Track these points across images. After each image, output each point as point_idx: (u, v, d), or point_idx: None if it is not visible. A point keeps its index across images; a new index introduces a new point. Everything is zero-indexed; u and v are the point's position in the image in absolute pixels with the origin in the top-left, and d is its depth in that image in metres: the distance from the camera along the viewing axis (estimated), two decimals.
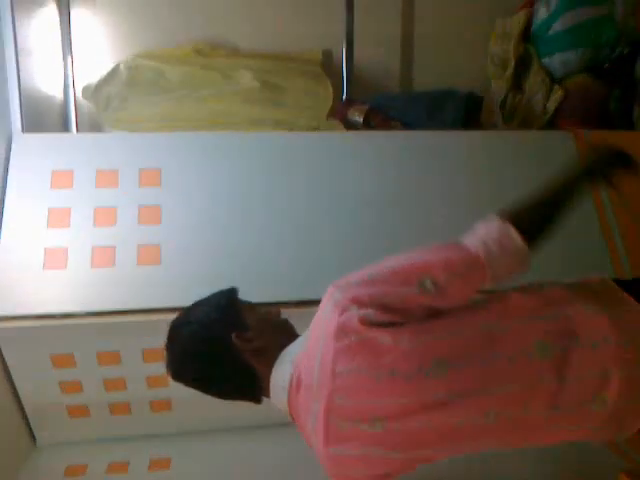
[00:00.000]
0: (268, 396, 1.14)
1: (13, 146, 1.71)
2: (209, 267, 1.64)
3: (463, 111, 2.33)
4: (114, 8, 2.31)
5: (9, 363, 1.60)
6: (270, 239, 1.71)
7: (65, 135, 2.03)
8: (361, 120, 2.29)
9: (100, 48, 2.31)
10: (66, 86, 2.21)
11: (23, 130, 1.77)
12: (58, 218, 1.65)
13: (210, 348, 1.13)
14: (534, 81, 2.43)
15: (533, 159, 1.94)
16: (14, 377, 1.63)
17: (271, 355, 1.13)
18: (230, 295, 1.20)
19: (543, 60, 2.44)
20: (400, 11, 2.55)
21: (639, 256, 1.89)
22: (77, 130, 2.20)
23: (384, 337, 0.99)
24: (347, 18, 2.39)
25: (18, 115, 1.74)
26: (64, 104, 2.21)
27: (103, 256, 1.61)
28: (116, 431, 1.78)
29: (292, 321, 1.22)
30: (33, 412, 1.71)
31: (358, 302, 1.01)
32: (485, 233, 1.05)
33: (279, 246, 1.70)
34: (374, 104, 2.35)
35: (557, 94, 2.40)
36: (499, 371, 1.02)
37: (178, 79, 2.35)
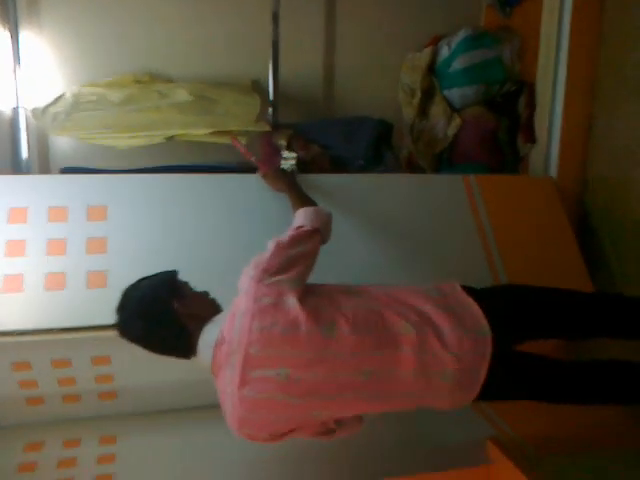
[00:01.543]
0: (195, 354, 1.48)
1: None
2: None
3: (375, 136, 2.66)
4: (60, 36, 2.51)
5: None
6: (204, 262, 1.98)
7: (20, 177, 2.22)
8: (285, 143, 2.60)
9: (45, 75, 2.51)
10: (16, 108, 2.41)
11: None
12: (15, 249, 1.88)
13: (154, 310, 1.47)
14: (437, 110, 2.79)
15: (428, 199, 2.28)
16: None
17: (202, 320, 1.49)
18: (172, 273, 1.57)
19: (444, 92, 2.78)
20: (323, 44, 2.84)
21: (513, 268, 2.27)
22: (28, 148, 2.42)
23: (291, 301, 1.41)
24: (273, 50, 2.65)
25: None
26: (13, 126, 2.41)
27: (55, 281, 1.87)
28: (68, 415, 2.05)
29: None
30: None
31: (268, 271, 1.45)
32: (304, 217, 1.64)
33: (214, 272, 1.93)
34: (297, 129, 2.65)
35: (455, 122, 2.76)
36: (376, 339, 1.43)
37: (119, 99, 2.56)
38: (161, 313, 1.47)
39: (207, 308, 1.55)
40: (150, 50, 2.63)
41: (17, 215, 1.93)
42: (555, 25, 2.48)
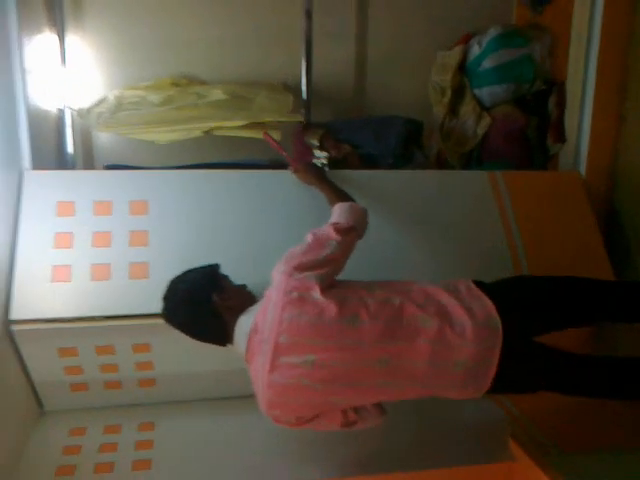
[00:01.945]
0: (232, 342, 1.63)
1: (24, 182, 2.02)
2: None
3: (404, 134, 2.71)
4: (102, 40, 2.64)
5: (24, 354, 1.95)
6: (239, 255, 2.07)
7: (67, 172, 2.35)
8: (317, 143, 2.67)
9: (88, 77, 2.64)
10: (62, 108, 2.53)
11: (32, 167, 2.10)
12: (63, 241, 1.99)
13: (196, 301, 1.64)
14: (467, 109, 2.82)
15: (455, 195, 2.33)
16: (28, 365, 1.98)
17: (238, 311, 1.64)
18: (214, 267, 1.73)
19: (474, 91, 2.81)
20: (354, 43, 2.89)
21: (536, 263, 2.29)
22: (73, 145, 2.55)
23: (317, 295, 1.53)
24: (306, 48, 2.70)
25: (28, 153, 2.06)
26: (59, 124, 2.53)
27: (101, 272, 1.97)
28: (109, 402, 2.16)
29: None
30: (41, 389, 2.07)
31: (299, 268, 1.57)
32: (339, 213, 1.72)
33: (249, 265, 2.02)
34: (328, 128, 2.72)
35: (485, 121, 2.79)
36: (394, 330, 1.53)
37: (159, 100, 2.66)
38: (202, 304, 1.62)
39: (244, 300, 1.68)
40: (186, 54, 2.72)
41: (65, 208, 2.03)
42: (586, 24, 2.49)
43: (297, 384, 1.52)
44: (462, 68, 2.84)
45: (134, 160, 2.57)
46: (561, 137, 2.66)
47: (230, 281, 1.74)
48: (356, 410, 1.66)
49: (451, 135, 2.88)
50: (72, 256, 1.99)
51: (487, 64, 2.72)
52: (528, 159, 2.77)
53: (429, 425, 2.06)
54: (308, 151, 2.65)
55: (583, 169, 2.52)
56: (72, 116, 2.56)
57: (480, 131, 2.79)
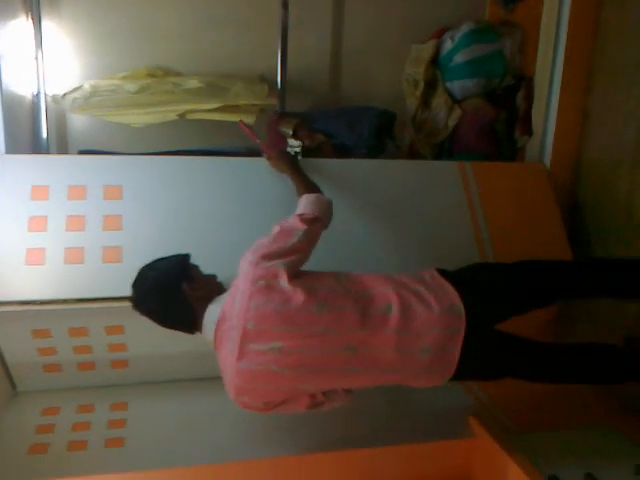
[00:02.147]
0: (200, 331, 1.66)
1: None
2: None
3: (377, 125, 2.76)
4: (78, 28, 2.65)
5: None
6: (212, 241, 2.12)
7: (42, 157, 2.35)
8: (290, 132, 2.71)
9: (64, 63, 2.66)
10: (37, 93, 2.55)
11: (6, 151, 2.13)
12: (37, 224, 2.02)
13: (166, 290, 1.66)
14: (438, 101, 2.89)
15: (425, 185, 2.41)
16: (1, 346, 2.02)
17: (207, 301, 1.67)
18: (185, 257, 1.75)
19: (446, 84, 2.88)
20: (330, 35, 2.94)
21: (501, 249, 2.38)
22: (48, 130, 2.56)
23: (284, 283, 1.58)
24: (281, 39, 2.75)
25: (2, 138, 2.08)
26: (34, 110, 2.55)
27: (74, 255, 2.01)
28: (83, 382, 2.20)
29: None
30: (15, 370, 2.11)
31: (266, 257, 1.62)
32: (305, 204, 1.76)
33: (223, 250, 2.07)
34: (303, 118, 2.77)
35: (456, 113, 2.86)
36: (361, 318, 1.58)
37: (135, 89, 2.67)
38: (171, 293, 1.65)
39: (213, 290, 1.72)
40: (162, 44, 2.74)
41: (39, 193, 2.06)
42: (554, 22, 2.57)
43: (265, 371, 1.57)
44: (435, 62, 2.90)
45: (109, 145, 2.60)
46: (528, 130, 2.74)
47: (200, 271, 1.77)
48: (324, 392, 1.71)
49: (423, 126, 2.94)
50: (46, 239, 2.02)
51: (459, 59, 2.79)
52: (497, 151, 2.85)
53: (394, 406, 2.14)
54: (282, 140, 2.70)
55: (548, 162, 2.61)
56: (46, 101, 2.56)
57: (451, 123, 2.86)
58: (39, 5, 2.49)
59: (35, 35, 2.50)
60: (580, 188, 2.57)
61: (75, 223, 2.05)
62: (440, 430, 2.00)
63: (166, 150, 2.54)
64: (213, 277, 1.78)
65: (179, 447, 1.89)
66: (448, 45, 2.83)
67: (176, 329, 1.72)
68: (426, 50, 2.89)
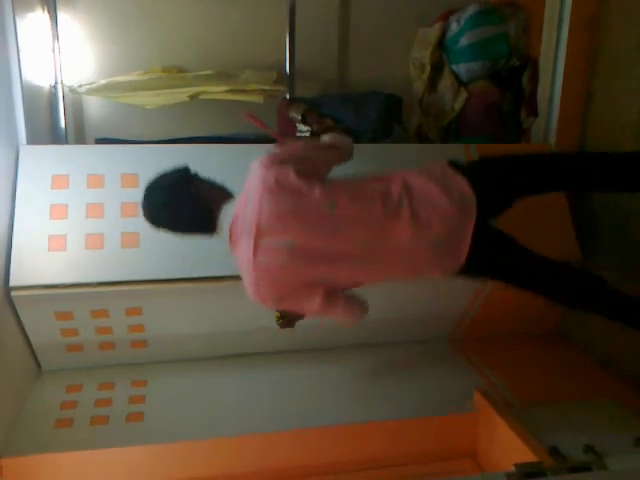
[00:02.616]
0: (218, 232, 1.74)
1: (20, 156, 2.13)
2: (178, 249, 2.11)
3: (383, 109, 2.81)
4: (93, 21, 2.73)
5: (23, 319, 2.09)
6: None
7: (62, 147, 2.46)
8: (299, 117, 2.77)
9: (80, 55, 2.74)
10: (54, 84, 2.63)
11: (27, 142, 2.20)
12: (58, 212, 2.11)
13: (178, 199, 1.72)
14: (445, 84, 2.92)
15: None
16: (26, 328, 2.12)
17: (219, 201, 1.74)
18: (185, 167, 1.80)
19: (452, 67, 2.90)
20: (337, 20, 2.98)
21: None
22: (65, 120, 2.66)
23: (295, 181, 1.66)
24: (289, 26, 2.78)
25: (23, 128, 2.16)
26: (52, 100, 2.63)
27: (94, 241, 2.10)
28: (104, 361, 2.32)
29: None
30: (39, 351, 2.23)
31: (279, 160, 1.70)
32: (330, 139, 1.88)
33: None
34: (311, 103, 2.82)
35: (462, 96, 2.90)
36: (373, 213, 1.65)
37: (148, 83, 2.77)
38: (185, 199, 1.73)
39: (219, 192, 1.81)
40: (173, 35, 2.81)
41: (59, 181, 2.15)
42: (558, 2, 2.59)
43: (280, 264, 1.64)
44: (441, 45, 2.93)
45: (124, 134, 2.67)
46: (533, 111, 2.77)
47: (201, 176, 1.83)
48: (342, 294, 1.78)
49: (430, 110, 2.98)
50: (67, 226, 2.11)
51: (464, 41, 2.81)
52: (503, 132, 2.89)
53: (402, 381, 2.23)
54: (291, 125, 2.75)
55: (553, 142, 2.64)
56: (64, 92, 2.64)
57: (457, 106, 2.89)
58: None
59: (52, 28, 2.58)
60: None
61: (95, 210, 2.15)
62: (445, 404, 2.09)
63: (180, 137, 2.62)
64: (213, 181, 1.84)
65: (195, 420, 2.01)
66: (454, 28, 2.86)
67: (198, 232, 1.80)
68: (432, 33, 2.92)
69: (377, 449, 2.01)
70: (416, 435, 2.02)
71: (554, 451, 1.68)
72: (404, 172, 1.75)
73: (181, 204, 1.72)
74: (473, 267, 1.71)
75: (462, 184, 1.69)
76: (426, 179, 1.71)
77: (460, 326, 2.57)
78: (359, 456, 2.00)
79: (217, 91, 2.69)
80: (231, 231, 1.70)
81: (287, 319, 1.98)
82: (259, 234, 1.62)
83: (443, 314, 2.50)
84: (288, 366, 2.35)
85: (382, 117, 2.78)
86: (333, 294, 1.72)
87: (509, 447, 1.82)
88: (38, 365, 2.29)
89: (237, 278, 2.04)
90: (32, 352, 2.22)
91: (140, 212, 2.09)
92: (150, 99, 2.68)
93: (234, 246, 1.72)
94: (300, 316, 1.98)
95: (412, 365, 2.34)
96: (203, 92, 2.68)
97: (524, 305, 2.45)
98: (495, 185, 1.76)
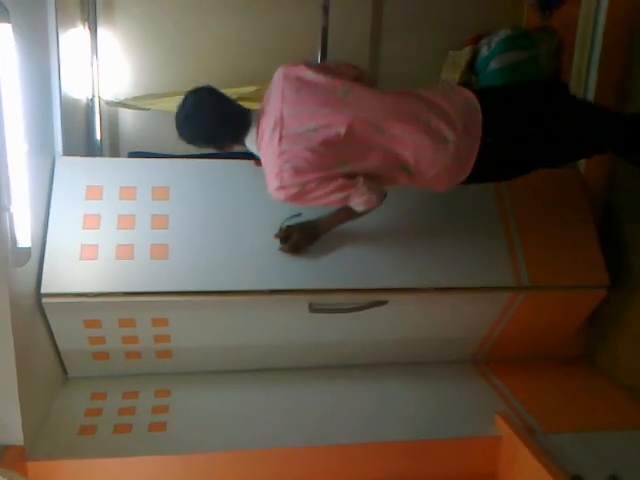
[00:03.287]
0: (247, 133, 1.92)
1: (56, 167, 2.19)
2: (205, 262, 2.15)
3: None
4: (131, 37, 2.82)
5: (52, 325, 2.13)
6: (252, 242, 2.21)
7: (97, 159, 2.52)
8: None
9: (117, 69, 2.82)
10: (92, 98, 2.71)
11: (63, 153, 2.26)
12: (91, 222, 2.15)
13: (212, 94, 1.93)
14: None
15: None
16: (55, 335, 2.16)
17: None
18: (208, 87, 1.95)
19: None
20: (369, 38, 3.03)
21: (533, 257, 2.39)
22: (101, 133, 2.73)
23: (311, 74, 1.85)
24: (322, 41, 2.81)
25: (60, 140, 2.22)
26: (89, 113, 2.71)
27: (125, 252, 2.14)
28: (129, 370, 2.35)
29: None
30: (67, 357, 2.26)
31: (298, 62, 1.88)
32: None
33: (266, 248, 2.19)
34: None
35: None
36: (392, 107, 1.84)
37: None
38: (217, 96, 1.94)
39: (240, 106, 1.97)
40: (208, 52, 2.88)
41: (93, 193, 2.20)
42: (590, 27, 2.60)
43: (303, 149, 1.79)
44: (471, 68, 2.94)
45: (157, 148, 2.73)
46: None
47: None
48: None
49: None
50: (99, 236, 2.15)
51: (495, 65, 2.82)
52: None
53: (422, 401, 2.23)
54: None
55: (582, 167, 2.63)
56: (100, 106, 2.72)
57: None
58: (95, 15, 2.65)
59: (91, 43, 2.66)
60: (614, 195, 2.59)
61: (126, 222, 2.19)
62: (466, 428, 2.07)
63: (210, 153, 2.65)
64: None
65: (218, 432, 2.02)
66: (484, 51, 2.87)
67: (233, 130, 1.94)
68: (462, 56, 2.94)
69: (394, 469, 2.00)
70: (435, 457, 2.01)
71: None
72: (423, 89, 1.95)
73: (215, 99, 1.91)
74: (484, 171, 1.91)
75: (466, 93, 1.90)
76: (434, 93, 1.91)
77: (482, 348, 2.55)
78: (376, 476, 1.99)
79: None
80: (258, 127, 1.87)
81: (292, 241, 2.08)
82: (283, 122, 1.80)
83: (466, 335, 2.49)
84: (309, 383, 2.36)
85: None
86: (353, 176, 1.85)
87: (530, 474, 1.81)
88: (65, 372, 2.32)
89: (263, 293, 2.11)
90: (59, 359, 2.26)
91: (170, 224, 2.18)
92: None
93: (261, 141, 1.88)
94: (306, 240, 2.11)
95: (433, 386, 2.33)
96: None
97: (549, 328, 2.45)
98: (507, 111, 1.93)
